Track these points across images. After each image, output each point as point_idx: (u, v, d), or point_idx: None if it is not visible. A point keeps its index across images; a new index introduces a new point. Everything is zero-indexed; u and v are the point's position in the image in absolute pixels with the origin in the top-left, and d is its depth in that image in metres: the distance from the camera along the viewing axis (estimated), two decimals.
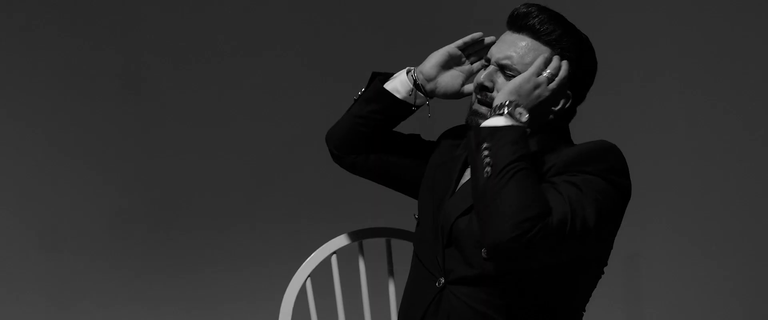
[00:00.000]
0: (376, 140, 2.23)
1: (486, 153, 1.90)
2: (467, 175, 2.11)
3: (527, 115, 1.95)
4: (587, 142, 2.03)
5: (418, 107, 2.20)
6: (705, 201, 3.54)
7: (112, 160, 3.62)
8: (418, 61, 2.22)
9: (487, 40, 2.17)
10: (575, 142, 2.11)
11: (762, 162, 3.50)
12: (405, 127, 2.30)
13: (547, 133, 2.06)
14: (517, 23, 2.05)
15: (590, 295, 2.10)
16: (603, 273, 2.09)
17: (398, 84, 2.19)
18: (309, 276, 2.42)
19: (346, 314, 2.46)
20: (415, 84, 2.18)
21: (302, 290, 2.41)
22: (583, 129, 3.52)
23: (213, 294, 3.61)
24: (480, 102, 2.07)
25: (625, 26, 3.57)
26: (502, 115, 1.94)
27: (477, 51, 2.19)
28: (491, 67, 2.06)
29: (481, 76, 2.06)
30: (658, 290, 3.59)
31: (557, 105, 2.05)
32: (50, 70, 3.57)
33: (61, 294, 3.57)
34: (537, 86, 1.99)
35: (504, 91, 1.97)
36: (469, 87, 2.18)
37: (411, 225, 2.29)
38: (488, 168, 1.89)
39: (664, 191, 3.55)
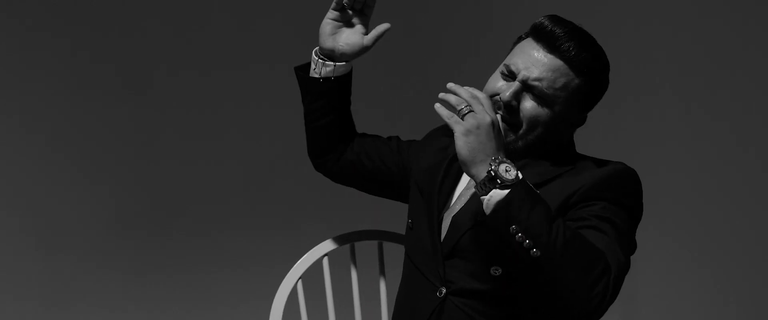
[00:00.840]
0: (341, 133, 2.23)
1: (519, 235, 1.80)
2: (463, 181, 2.09)
3: (514, 169, 1.82)
4: (607, 166, 2.00)
5: (339, 77, 2.17)
6: (700, 208, 3.54)
7: (109, 163, 3.61)
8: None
9: None
10: (580, 150, 2.10)
11: (756, 169, 3.50)
12: (400, 131, 2.29)
13: (558, 154, 2.02)
14: (549, 41, 1.94)
15: None
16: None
17: (313, 65, 2.18)
18: (300, 278, 2.41)
19: (337, 317, 2.45)
20: (322, 59, 2.16)
21: (293, 292, 2.41)
22: (581, 136, 3.53)
23: (204, 296, 3.60)
24: (503, 120, 1.97)
25: (626, 37, 3.57)
26: (495, 187, 1.82)
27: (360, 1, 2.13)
28: (517, 85, 1.95)
29: (507, 94, 1.96)
30: (654, 296, 3.59)
31: (572, 128, 2.03)
32: (49, 72, 3.56)
33: (56, 295, 3.56)
34: (489, 127, 1.85)
35: (473, 165, 1.83)
36: (368, 38, 2.14)
37: (403, 228, 2.27)
38: (534, 250, 1.79)
39: (659, 197, 3.54)
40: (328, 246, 2.43)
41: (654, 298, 3.60)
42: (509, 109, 1.96)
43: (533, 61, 1.94)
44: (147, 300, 3.58)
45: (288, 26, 3.66)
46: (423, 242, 2.08)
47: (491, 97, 1.97)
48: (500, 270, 1.96)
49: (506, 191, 1.81)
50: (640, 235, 3.47)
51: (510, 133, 1.97)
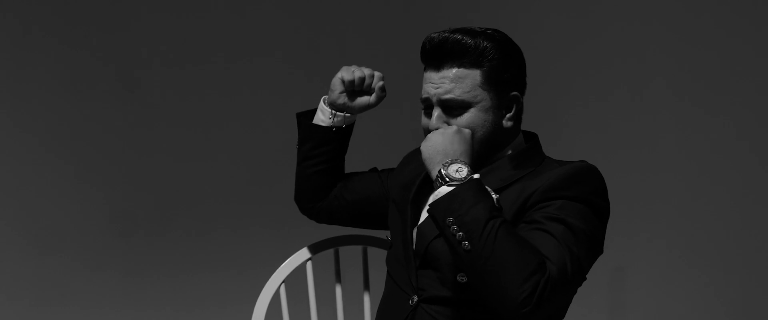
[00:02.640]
0: (334, 180, 2.32)
1: (454, 227, 1.85)
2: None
3: (465, 168, 1.91)
4: (567, 164, 2.01)
5: (346, 126, 2.28)
6: (692, 213, 3.53)
7: (100, 163, 3.61)
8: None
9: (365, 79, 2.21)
10: (549, 155, 2.11)
11: (750, 174, 3.48)
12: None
13: (522, 158, 2.05)
14: (435, 60, 2.02)
15: (568, 306, 2.08)
16: (585, 278, 2.04)
17: (321, 114, 2.28)
18: (283, 282, 2.41)
19: None
20: (333, 110, 2.26)
21: (276, 296, 2.41)
22: (574, 139, 3.53)
23: (189, 298, 3.60)
24: None
25: (618, 36, 3.56)
26: (445, 183, 1.90)
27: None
28: (437, 110, 2.03)
29: (434, 121, 2.03)
30: (644, 301, 3.57)
31: (510, 111, 2.05)
32: (42, 71, 3.57)
33: (47, 294, 3.56)
34: (453, 133, 1.97)
35: (431, 165, 1.94)
36: (372, 99, 2.23)
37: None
38: (465, 242, 1.84)
39: (652, 202, 3.54)
40: (312, 250, 2.44)
41: (643, 299, 3.58)
42: None
43: (435, 82, 2.02)
44: (132, 301, 3.58)
45: (290, 21, 3.66)
46: (398, 255, 2.13)
47: (427, 134, 2.05)
48: (466, 277, 1.98)
49: (452, 187, 1.88)
50: (629, 240, 3.49)
51: None
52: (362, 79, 2.21)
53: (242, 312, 3.29)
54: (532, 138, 2.12)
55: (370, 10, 3.70)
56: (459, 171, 1.90)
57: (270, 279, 2.40)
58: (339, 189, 2.33)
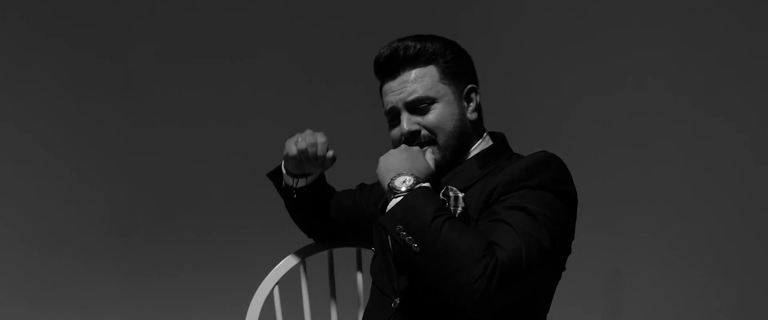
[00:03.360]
0: (322, 216, 2.38)
1: (404, 233, 1.88)
2: None
3: (412, 179, 1.95)
4: (528, 156, 2.03)
5: (309, 186, 2.31)
6: (692, 213, 3.52)
7: (100, 163, 3.62)
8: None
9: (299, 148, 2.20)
10: (516, 150, 2.15)
11: (750, 174, 3.47)
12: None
13: (488, 156, 2.09)
14: (389, 70, 2.09)
15: (551, 299, 2.09)
16: (564, 268, 2.06)
17: (286, 181, 2.33)
18: (276, 283, 2.41)
19: None
20: (292, 175, 2.30)
21: (270, 297, 2.41)
22: (573, 139, 3.52)
23: (191, 298, 3.60)
24: (423, 146, 2.10)
25: (617, 36, 3.55)
26: (394, 196, 1.95)
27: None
28: (404, 113, 2.09)
29: (405, 125, 2.09)
30: (644, 302, 3.57)
31: (471, 102, 2.11)
32: (43, 72, 3.57)
33: (44, 294, 3.57)
34: (401, 151, 2.03)
35: (383, 181, 2.00)
36: (330, 153, 2.23)
37: None
38: (415, 245, 1.86)
39: (652, 202, 3.53)
40: (306, 252, 2.44)
41: (643, 300, 3.57)
42: (416, 134, 2.09)
43: (396, 90, 2.10)
44: (132, 301, 3.59)
45: (288, 19, 3.66)
46: (380, 263, 2.17)
47: (401, 141, 2.10)
48: None
49: (400, 198, 1.92)
50: (630, 238, 3.47)
51: (436, 150, 2.09)
52: (305, 151, 2.21)
53: (242, 312, 3.28)
54: (498, 137, 2.16)
55: (369, 9, 3.70)
56: (405, 182, 1.95)
57: (264, 281, 2.41)
58: (334, 217, 2.39)
